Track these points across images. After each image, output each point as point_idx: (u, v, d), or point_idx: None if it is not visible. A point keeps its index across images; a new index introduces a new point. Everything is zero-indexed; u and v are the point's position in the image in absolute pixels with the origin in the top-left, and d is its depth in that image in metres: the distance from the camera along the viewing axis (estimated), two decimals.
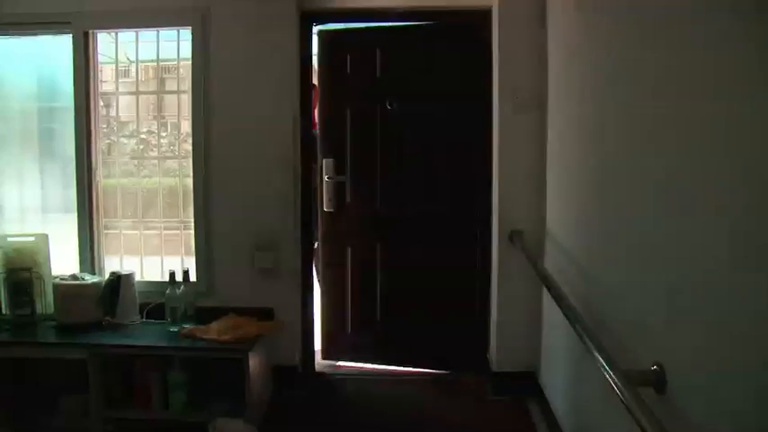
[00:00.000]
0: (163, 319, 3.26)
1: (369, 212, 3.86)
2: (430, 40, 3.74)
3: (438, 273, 3.77)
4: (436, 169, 3.76)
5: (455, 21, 3.67)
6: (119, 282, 3.29)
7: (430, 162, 3.77)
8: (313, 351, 3.76)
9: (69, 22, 3.44)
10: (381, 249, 3.86)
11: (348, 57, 3.81)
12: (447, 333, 3.79)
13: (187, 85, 3.51)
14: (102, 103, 3.69)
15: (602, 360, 1.70)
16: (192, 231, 3.52)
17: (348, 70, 3.82)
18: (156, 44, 3.56)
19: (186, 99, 3.52)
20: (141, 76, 3.74)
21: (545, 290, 2.60)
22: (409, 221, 3.81)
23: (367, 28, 3.81)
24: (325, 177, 3.82)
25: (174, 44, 3.54)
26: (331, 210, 3.85)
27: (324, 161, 3.84)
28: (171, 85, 3.79)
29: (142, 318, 3.36)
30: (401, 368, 3.87)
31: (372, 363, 3.91)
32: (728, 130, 1.33)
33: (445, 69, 3.71)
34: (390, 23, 3.80)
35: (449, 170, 3.74)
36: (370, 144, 3.80)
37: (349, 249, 3.91)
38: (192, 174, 3.49)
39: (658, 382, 1.63)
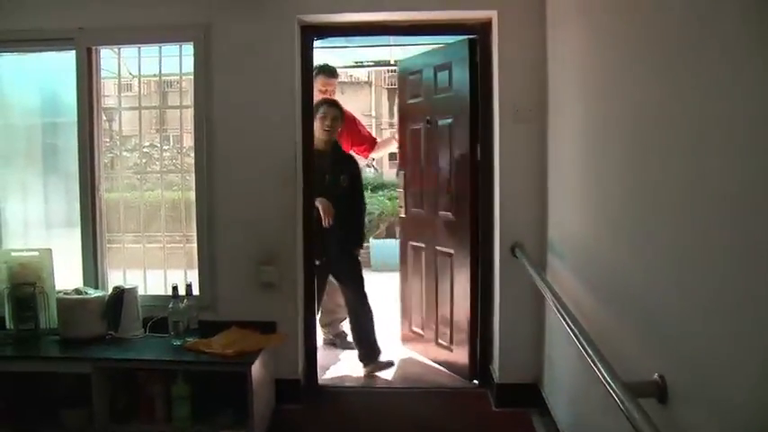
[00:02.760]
0: (166, 333, 3.26)
1: (420, 220, 4.33)
2: (448, 59, 3.90)
3: (449, 279, 3.99)
4: (453, 180, 3.92)
5: (456, 33, 3.72)
6: (122, 296, 3.30)
7: (450, 173, 3.96)
8: (315, 364, 3.76)
9: (73, 38, 3.47)
10: (425, 255, 4.27)
11: (406, 83, 4.44)
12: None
13: (189, 99, 3.53)
14: (104, 118, 3.72)
15: (604, 371, 1.71)
16: (195, 245, 3.52)
17: (407, 94, 4.44)
18: (158, 59, 3.59)
19: (188, 113, 3.55)
20: (144, 91, 3.76)
21: (547, 301, 2.61)
22: (437, 228, 4.12)
23: (419, 54, 4.38)
24: (397, 189, 4.46)
25: (177, 59, 3.56)
26: (403, 216, 4.53)
27: (398, 174, 4.59)
28: (173, 99, 3.81)
29: (145, 332, 3.37)
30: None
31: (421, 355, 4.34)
32: (736, 132, 1.33)
33: (459, 84, 3.82)
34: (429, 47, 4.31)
35: (462, 181, 3.82)
36: (419, 158, 4.31)
37: (409, 253, 4.46)
38: (194, 187, 3.51)
39: (660, 392, 1.64)
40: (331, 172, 4.14)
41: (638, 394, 1.57)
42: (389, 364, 4.04)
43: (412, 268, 4.43)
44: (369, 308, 4.19)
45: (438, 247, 4.08)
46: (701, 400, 1.48)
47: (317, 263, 3.88)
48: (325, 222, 3.97)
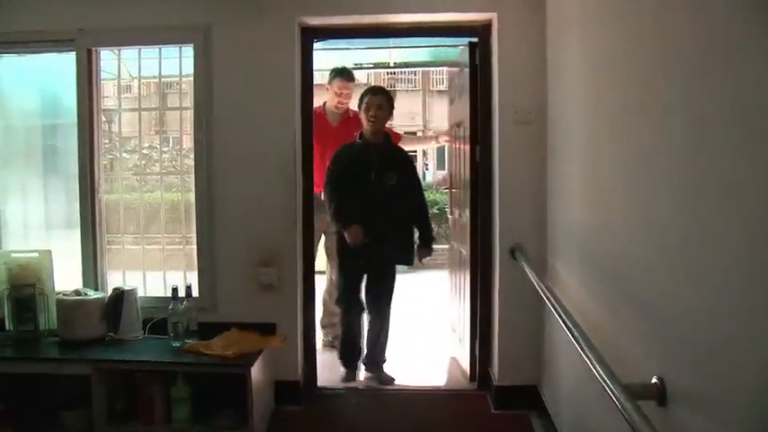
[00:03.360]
0: (166, 335, 3.26)
1: (455, 220, 4.44)
2: (464, 61, 3.88)
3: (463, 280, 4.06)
4: (464, 182, 3.96)
5: (456, 35, 3.74)
6: (122, 297, 3.30)
7: (464, 175, 4.00)
8: (315, 366, 3.76)
9: (73, 40, 3.47)
10: (453, 255, 4.44)
11: (452, 84, 4.56)
12: None
13: (189, 100, 3.53)
14: (104, 119, 3.72)
15: (603, 373, 1.71)
16: (195, 246, 3.52)
17: (452, 96, 4.55)
18: (158, 61, 3.58)
19: (188, 115, 3.55)
20: (143, 92, 3.76)
21: (547, 303, 2.61)
22: (460, 228, 4.20)
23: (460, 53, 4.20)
24: (442, 189, 4.45)
25: (176, 61, 3.56)
26: (450, 215, 4.67)
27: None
28: (173, 100, 3.81)
29: (145, 333, 3.37)
30: None
31: None
32: (742, 130, 1.32)
33: (465, 86, 3.81)
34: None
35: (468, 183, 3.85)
36: (454, 159, 4.41)
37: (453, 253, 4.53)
38: (193, 189, 3.51)
39: (660, 395, 1.64)
40: (377, 169, 3.80)
41: (637, 397, 1.57)
42: (391, 380, 3.96)
43: (452, 268, 4.52)
44: (388, 322, 4.04)
45: (461, 249, 4.12)
46: (701, 403, 1.48)
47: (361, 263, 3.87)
48: (352, 243, 3.77)
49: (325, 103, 4.46)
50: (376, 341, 4.03)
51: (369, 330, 4.06)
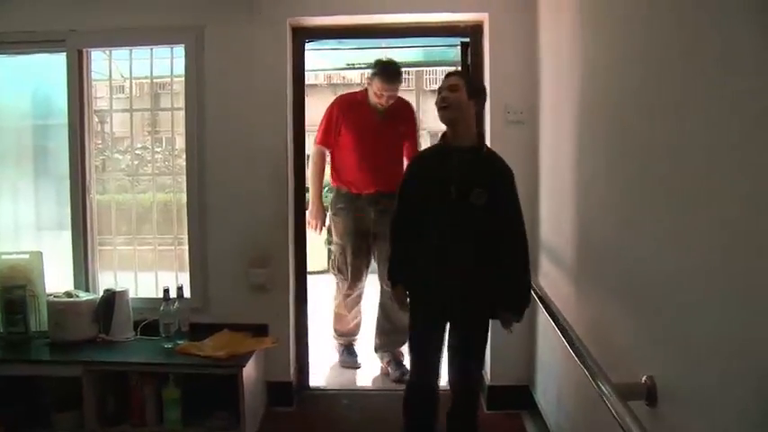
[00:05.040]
0: (157, 336, 3.25)
1: None
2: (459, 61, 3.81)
3: None
4: None
5: (448, 36, 3.73)
6: (113, 298, 3.29)
7: None
8: (307, 366, 3.76)
9: (64, 41, 3.46)
10: None
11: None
12: None
13: (181, 101, 3.52)
14: (96, 120, 3.70)
15: (593, 373, 1.72)
16: (187, 247, 3.52)
17: None
18: (149, 61, 3.58)
19: (180, 115, 3.54)
20: (135, 92, 3.74)
21: (538, 303, 2.61)
22: None
23: None
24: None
25: (168, 61, 3.55)
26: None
27: None
28: (165, 101, 3.80)
29: (136, 334, 3.36)
30: None
31: None
32: (722, 129, 1.34)
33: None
34: None
35: None
36: None
37: None
38: (186, 190, 3.50)
39: (650, 395, 1.65)
40: (459, 181, 2.61)
41: (627, 397, 1.57)
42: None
43: None
44: (478, 391, 3.05)
45: None
46: (692, 402, 1.48)
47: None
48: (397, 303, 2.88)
49: (366, 90, 3.93)
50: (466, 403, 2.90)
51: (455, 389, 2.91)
